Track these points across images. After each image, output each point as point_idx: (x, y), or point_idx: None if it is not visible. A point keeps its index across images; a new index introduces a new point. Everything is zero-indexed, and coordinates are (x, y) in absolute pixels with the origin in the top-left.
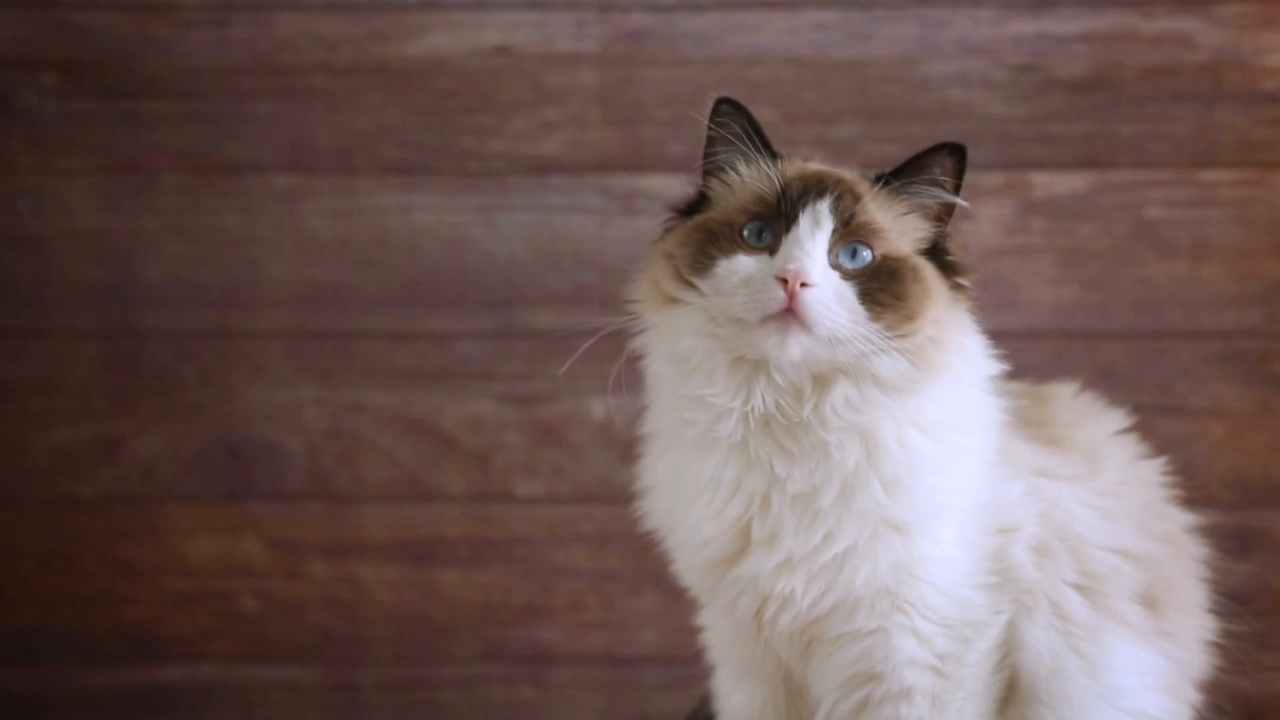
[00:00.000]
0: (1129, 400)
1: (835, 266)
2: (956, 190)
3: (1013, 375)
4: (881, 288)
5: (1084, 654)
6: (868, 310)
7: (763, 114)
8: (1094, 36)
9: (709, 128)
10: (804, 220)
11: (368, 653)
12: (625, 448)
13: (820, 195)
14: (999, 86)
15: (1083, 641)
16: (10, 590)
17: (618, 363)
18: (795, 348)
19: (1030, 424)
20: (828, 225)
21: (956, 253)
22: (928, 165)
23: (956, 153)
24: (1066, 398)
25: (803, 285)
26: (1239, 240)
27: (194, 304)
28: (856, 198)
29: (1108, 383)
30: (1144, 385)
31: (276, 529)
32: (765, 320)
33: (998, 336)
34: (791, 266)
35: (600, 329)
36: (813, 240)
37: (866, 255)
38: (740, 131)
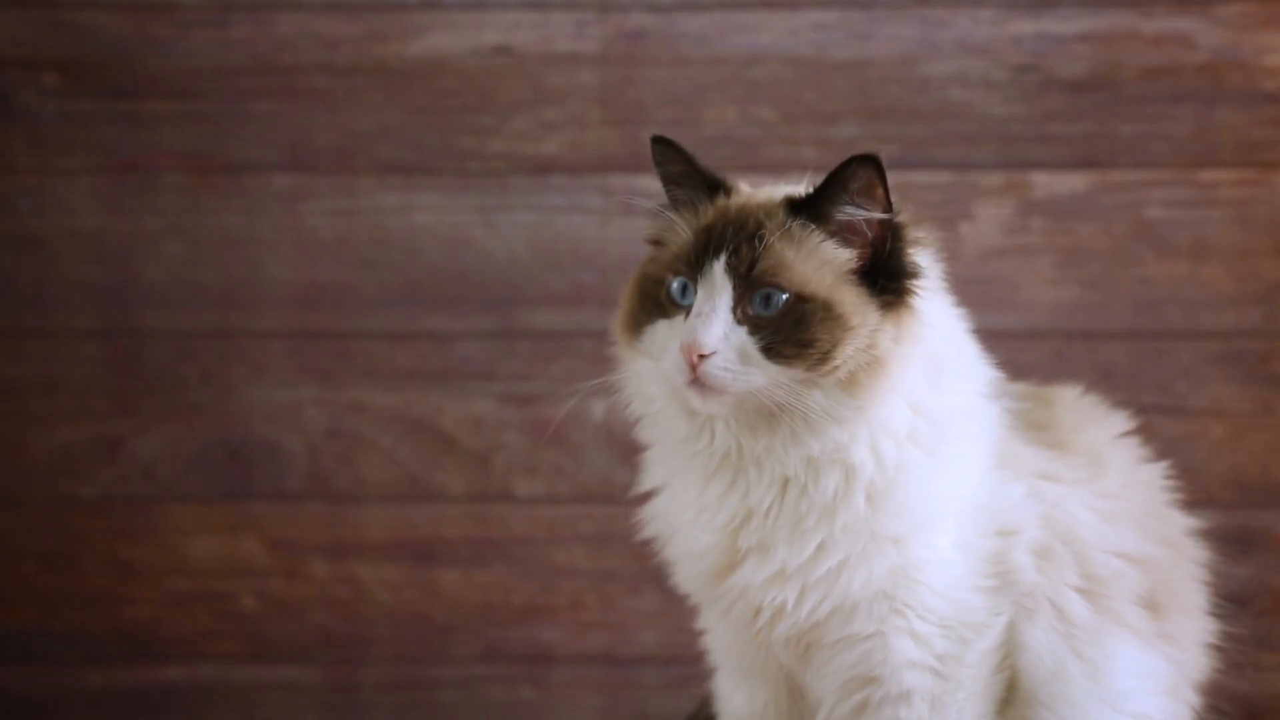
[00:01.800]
0: (1129, 400)
1: (747, 319)
2: (885, 198)
3: (1014, 376)
4: (786, 338)
5: (1085, 656)
6: (776, 362)
7: (763, 114)
8: (1094, 36)
9: (655, 168)
10: (702, 284)
11: (368, 653)
12: (625, 448)
13: (718, 252)
14: (999, 86)
15: (1084, 644)
16: (10, 590)
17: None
18: (717, 406)
19: (1034, 427)
20: (725, 285)
21: (912, 249)
22: (843, 183)
23: (869, 163)
24: (1070, 401)
25: (701, 356)
26: (1239, 240)
27: (194, 304)
28: (756, 244)
29: (1108, 383)
30: (1144, 385)
31: (276, 529)
32: (686, 385)
33: (998, 336)
34: (686, 341)
35: (591, 384)
36: (710, 304)
37: (781, 297)
38: (676, 171)
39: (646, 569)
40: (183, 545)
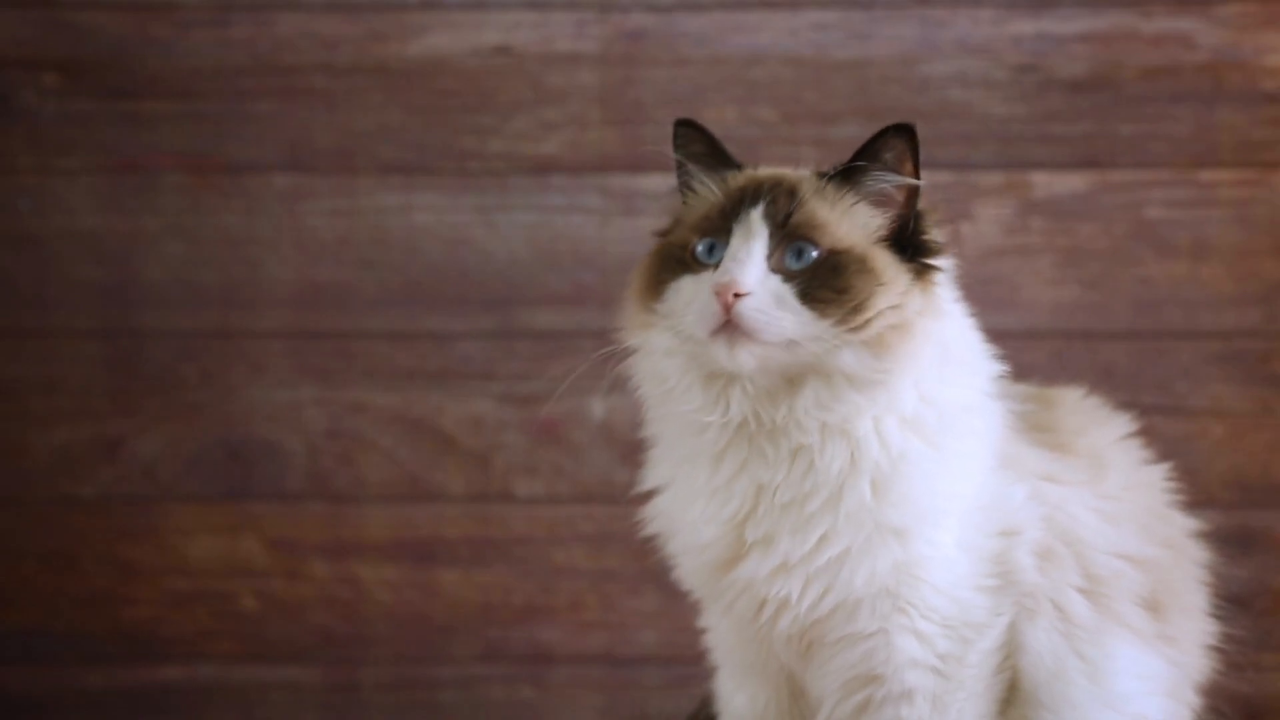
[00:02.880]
0: (1129, 400)
1: (780, 269)
2: (915, 171)
3: (1014, 376)
4: (822, 284)
5: (1086, 657)
6: (811, 308)
7: (763, 114)
8: (1094, 36)
9: (674, 152)
10: (737, 231)
11: (368, 653)
12: (625, 448)
13: (754, 202)
14: (999, 86)
15: (1085, 644)
16: (10, 590)
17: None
18: (746, 357)
19: (1036, 429)
20: (762, 231)
21: (932, 232)
22: (876, 151)
23: (904, 133)
24: (1073, 403)
25: (736, 296)
26: (1239, 240)
27: (194, 304)
28: (793, 196)
29: (1108, 383)
30: (1144, 385)
31: (276, 529)
32: (714, 334)
33: (998, 336)
34: (723, 280)
35: (592, 357)
36: (746, 248)
37: (812, 253)
38: (699, 151)
39: (646, 569)
40: (183, 545)
